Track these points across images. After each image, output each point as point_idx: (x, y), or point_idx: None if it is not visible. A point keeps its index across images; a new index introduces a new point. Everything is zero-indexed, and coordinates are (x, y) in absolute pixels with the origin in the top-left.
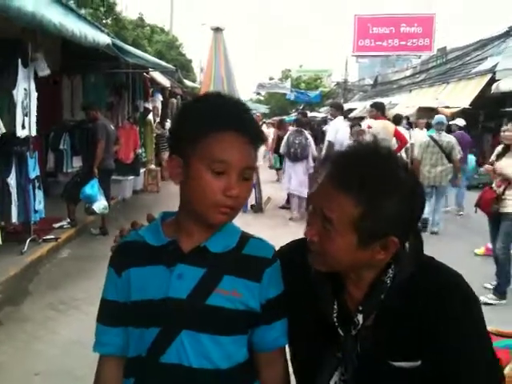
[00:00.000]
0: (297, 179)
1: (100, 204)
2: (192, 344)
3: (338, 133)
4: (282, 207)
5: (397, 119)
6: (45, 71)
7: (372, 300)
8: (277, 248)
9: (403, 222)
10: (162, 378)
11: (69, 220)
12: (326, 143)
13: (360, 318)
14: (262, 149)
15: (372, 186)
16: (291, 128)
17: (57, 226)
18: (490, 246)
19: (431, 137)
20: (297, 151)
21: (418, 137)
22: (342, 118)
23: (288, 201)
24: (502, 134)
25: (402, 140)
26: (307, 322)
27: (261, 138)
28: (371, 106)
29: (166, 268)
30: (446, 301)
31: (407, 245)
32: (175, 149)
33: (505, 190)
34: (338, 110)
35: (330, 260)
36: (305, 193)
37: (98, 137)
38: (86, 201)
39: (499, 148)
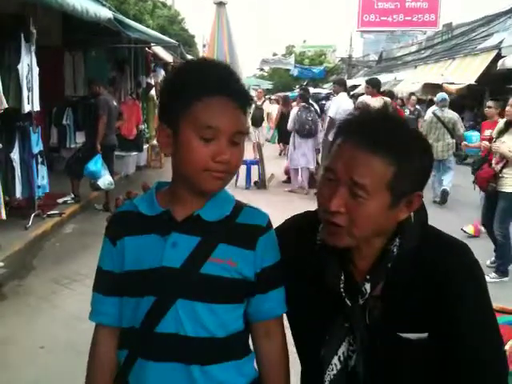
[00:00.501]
0: (309, 154)
1: (105, 180)
2: (187, 313)
3: (340, 108)
4: (285, 181)
5: (390, 96)
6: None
7: (379, 269)
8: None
9: (425, 176)
10: (158, 347)
11: (73, 195)
12: (327, 119)
13: (368, 287)
14: (265, 125)
15: (399, 145)
16: (294, 104)
17: (60, 201)
18: (479, 226)
19: (434, 113)
20: (311, 128)
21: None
22: (345, 94)
23: (289, 177)
24: (486, 110)
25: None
26: (314, 292)
27: (249, 102)
28: (366, 82)
29: (160, 237)
30: (451, 271)
31: (412, 214)
32: (164, 119)
33: (503, 167)
34: (341, 86)
35: (358, 230)
36: (310, 165)
37: (100, 112)
38: (91, 177)
39: (501, 124)
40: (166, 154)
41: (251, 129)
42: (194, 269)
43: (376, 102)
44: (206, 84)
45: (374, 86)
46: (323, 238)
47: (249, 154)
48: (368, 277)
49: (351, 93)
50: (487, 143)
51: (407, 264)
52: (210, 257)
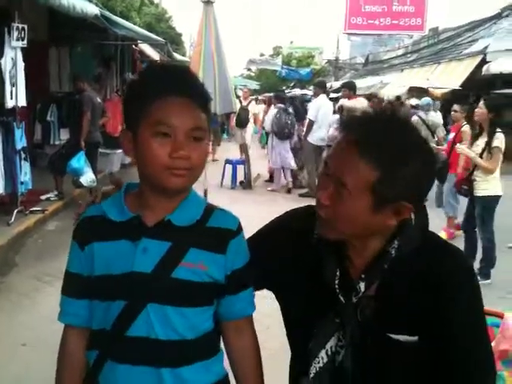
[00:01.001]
0: (284, 154)
1: (87, 177)
2: (158, 316)
3: (320, 110)
4: (268, 181)
5: (353, 88)
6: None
7: (375, 269)
8: (263, 223)
9: (418, 189)
10: (129, 350)
11: (56, 192)
12: (306, 121)
13: (362, 285)
14: (251, 126)
15: (390, 151)
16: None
17: (44, 197)
18: (451, 229)
19: (419, 116)
20: (290, 131)
21: None
22: (324, 96)
23: (272, 176)
24: (452, 113)
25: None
26: (308, 286)
27: (206, 101)
28: (342, 85)
29: (130, 242)
30: (446, 274)
31: (413, 216)
32: (126, 123)
33: (473, 171)
34: (321, 88)
35: (340, 225)
36: (291, 165)
37: (84, 109)
38: (73, 174)
39: (465, 128)
40: (129, 156)
41: (236, 129)
42: (166, 273)
43: (356, 103)
44: (161, 85)
45: (351, 89)
46: (317, 228)
47: (234, 154)
48: (363, 276)
49: (331, 96)
50: (441, 147)
51: (404, 266)
52: (181, 261)
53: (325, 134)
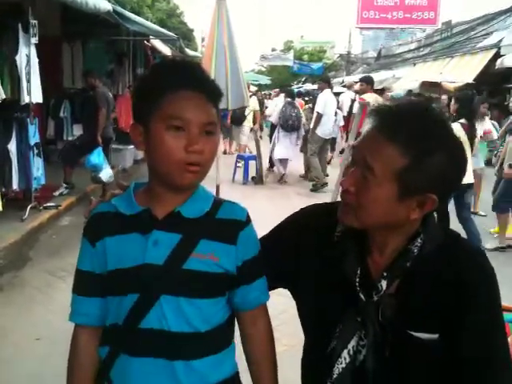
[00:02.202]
0: (290, 148)
1: (106, 172)
2: (172, 308)
3: (327, 104)
4: (268, 170)
5: (371, 82)
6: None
7: (397, 267)
8: (277, 221)
9: (444, 182)
10: (142, 343)
11: (65, 185)
12: (314, 114)
13: (384, 283)
14: (246, 124)
15: (420, 140)
16: (276, 98)
17: (57, 193)
18: None
19: None
20: (294, 123)
21: None
22: (329, 90)
23: (272, 166)
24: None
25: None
26: (326, 286)
27: (218, 96)
28: (361, 80)
29: (141, 235)
30: (468, 279)
31: (435, 215)
32: (136, 117)
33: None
34: (326, 83)
35: (363, 213)
36: (292, 157)
37: (100, 105)
38: (92, 169)
39: None
40: (139, 149)
41: (233, 128)
42: (177, 265)
43: (369, 97)
44: (175, 78)
45: (369, 83)
46: (339, 216)
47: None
48: (385, 274)
49: (339, 90)
50: None
51: (425, 264)
52: (193, 252)
53: (330, 127)
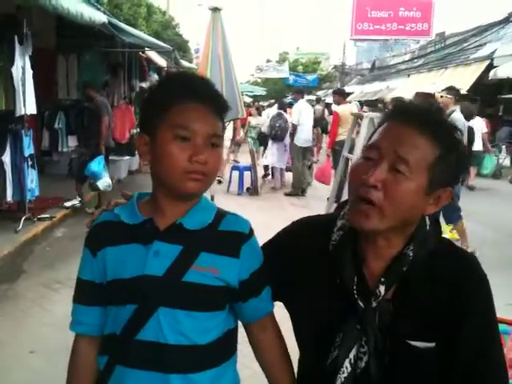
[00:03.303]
0: (276, 154)
1: (104, 181)
2: (168, 321)
3: (302, 114)
4: (264, 176)
5: (343, 94)
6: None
7: (394, 272)
8: (272, 232)
9: (457, 176)
10: (138, 355)
11: (80, 199)
12: (284, 125)
13: (382, 289)
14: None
15: (446, 133)
16: (269, 109)
17: (69, 204)
18: None
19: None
20: (277, 133)
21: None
22: (303, 100)
23: (266, 173)
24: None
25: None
26: (323, 296)
27: (224, 109)
28: (333, 92)
29: (142, 246)
30: (462, 286)
31: (428, 221)
32: (143, 127)
33: None
34: (299, 94)
35: (391, 208)
36: (283, 166)
37: (103, 113)
38: (91, 177)
39: None
40: (144, 160)
41: None
42: (177, 277)
43: (344, 108)
44: (183, 91)
45: (341, 95)
46: (350, 220)
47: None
48: (383, 279)
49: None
50: None
51: (420, 270)
52: (193, 265)
53: (306, 135)
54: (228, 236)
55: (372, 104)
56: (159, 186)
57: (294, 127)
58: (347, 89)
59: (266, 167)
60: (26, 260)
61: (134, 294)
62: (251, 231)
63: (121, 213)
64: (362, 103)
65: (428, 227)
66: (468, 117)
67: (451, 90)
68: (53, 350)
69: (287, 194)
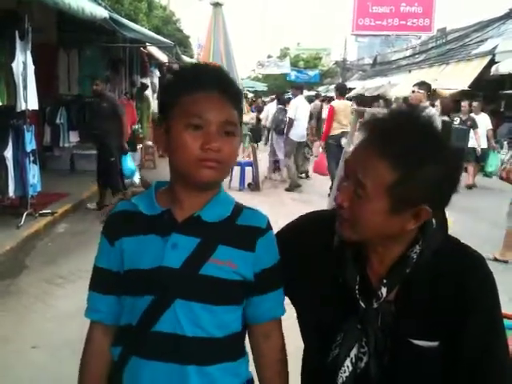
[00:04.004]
0: (280, 147)
1: (137, 175)
2: (185, 313)
3: (298, 109)
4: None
5: (342, 90)
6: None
7: (397, 274)
8: (275, 228)
9: (438, 193)
10: (154, 346)
11: (97, 205)
12: (287, 119)
13: (384, 291)
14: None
15: (410, 155)
16: (270, 104)
17: (91, 206)
18: None
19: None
20: (282, 127)
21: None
22: (302, 96)
23: (276, 166)
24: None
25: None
26: (326, 293)
27: (238, 97)
28: (335, 88)
29: (160, 237)
30: (467, 283)
31: (434, 221)
32: (160, 118)
33: None
34: (298, 89)
35: (359, 227)
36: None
37: (121, 112)
38: (129, 175)
39: None
40: (161, 155)
41: None
42: (194, 269)
43: (340, 104)
44: (195, 80)
45: (337, 90)
46: (337, 230)
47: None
48: (385, 281)
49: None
50: None
51: (425, 271)
52: (210, 258)
53: (302, 130)
54: (245, 230)
55: (364, 99)
56: (176, 176)
57: (291, 122)
58: (349, 84)
59: (275, 161)
60: (29, 255)
61: (151, 285)
62: (268, 226)
63: (139, 203)
64: (350, 99)
65: (435, 225)
66: (446, 112)
67: (422, 84)
68: (56, 345)
69: (287, 190)
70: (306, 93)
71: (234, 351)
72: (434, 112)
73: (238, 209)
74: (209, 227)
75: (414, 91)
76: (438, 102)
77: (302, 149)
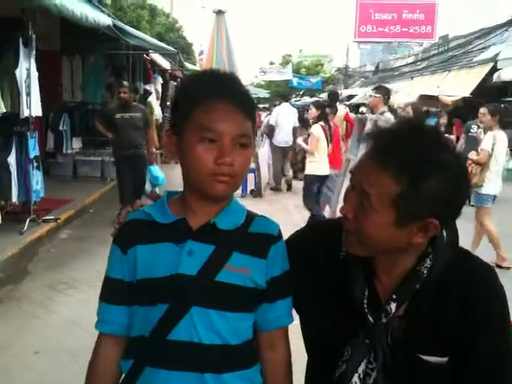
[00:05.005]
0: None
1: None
2: (202, 320)
3: (279, 116)
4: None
5: (334, 97)
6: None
7: (407, 289)
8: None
9: (445, 205)
10: (170, 355)
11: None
12: (267, 125)
13: (393, 306)
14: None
15: (414, 166)
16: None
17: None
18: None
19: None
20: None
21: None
22: (287, 104)
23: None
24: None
25: (350, 123)
26: (332, 306)
27: (252, 107)
28: (327, 95)
29: (174, 245)
30: (477, 298)
31: (445, 234)
32: (172, 126)
33: None
34: (283, 98)
35: (364, 239)
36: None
37: (149, 125)
38: (154, 182)
39: None
40: (164, 161)
41: None
42: (210, 276)
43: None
44: (208, 89)
45: (329, 97)
46: (343, 242)
47: None
48: (394, 296)
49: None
50: None
51: (435, 286)
52: (225, 265)
53: (284, 136)
54: (258, 238)
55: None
56: (188, 186)
57: (272, 128)
58: (351, 91)
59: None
60: (31, 261)
61: (166, 293)
62: (280, 234)
63: (152, 211)
64: (348, 106)
65: (445, 239)
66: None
67: (379, 89)
68: (57, 350)
69: (272, 189)
70: (308, 99)
71: (248, 358)
72: (389, 116)
73: (251, 217)
74: (223, 235)
75: (370, 95)
76: (409, 108)
77: (288, 154)
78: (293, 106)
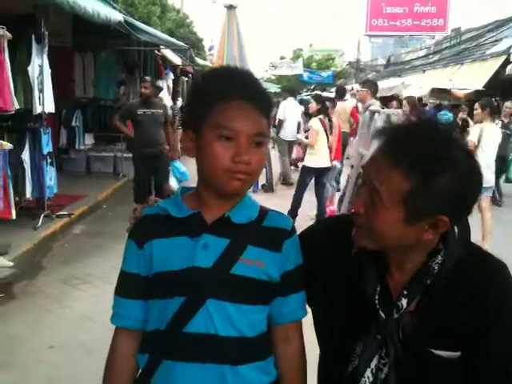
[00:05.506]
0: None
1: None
2: (218, 312)
3: (287, 110)
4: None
5: (342, 93)
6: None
7: (418, 285)
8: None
9: (456, 202)
10: (187, 347)
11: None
12: (276, 120)
13: (404, 302)
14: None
15: (424, 164)
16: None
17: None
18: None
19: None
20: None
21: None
22: (292, 98)
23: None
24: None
25: (355, 119)
26: (345, 301)
27: (269, 105)
28: (335, 90)
29: (189, 239)
30: (489, 294)
31: (456, 230)
32: (188, 123)
33: None
34: (288, 92)
35: (374, 234)
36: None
37: (168, 119)
38: (179, 177)
39: None
40: (189, 156)
41: None
42: (225, 269)
43: (339, 105)
44: (226, 87)
45: (337, 93)
46: (353, 237)
47: None
48: (405, 292)
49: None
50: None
51: (447, 282)
52: (240, 257)
53: (291, 130)
54: (272, 232)
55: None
56: (203, 182)
57: (280, 122)
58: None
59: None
60: (45, 256)
61: (182, 286)
62: (293, 229)
63: (167, 206)
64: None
65: (457, 235)
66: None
67: (366, 83)
68: (72, 345)
69: (283, 184)
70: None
71: (264, 350)
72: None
73: (264, 211)
74: (238, 228)
75: (358, 90)
76: (405, 102)
77: (294, 147)
78: (303, 100)
